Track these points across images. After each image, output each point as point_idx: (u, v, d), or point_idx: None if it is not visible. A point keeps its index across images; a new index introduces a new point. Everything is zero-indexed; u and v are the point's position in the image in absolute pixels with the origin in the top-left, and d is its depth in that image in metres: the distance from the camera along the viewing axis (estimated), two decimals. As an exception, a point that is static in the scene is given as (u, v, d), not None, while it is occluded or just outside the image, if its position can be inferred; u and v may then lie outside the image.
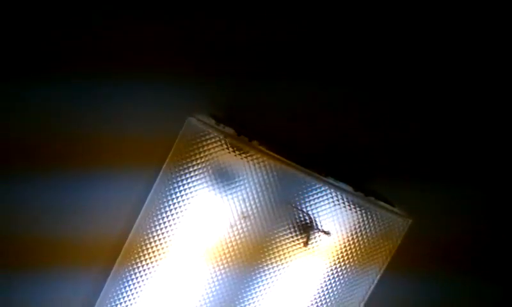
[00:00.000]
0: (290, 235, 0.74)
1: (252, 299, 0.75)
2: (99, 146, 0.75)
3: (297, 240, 0.74)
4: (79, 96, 0.73)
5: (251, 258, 0.73)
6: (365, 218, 0.74)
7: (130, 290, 0.73)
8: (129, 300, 0.73)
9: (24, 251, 0.76)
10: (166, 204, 0.71)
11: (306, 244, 0.73)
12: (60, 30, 0.71)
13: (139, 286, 0.72)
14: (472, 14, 0.79)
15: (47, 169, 0.74)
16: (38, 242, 0.76)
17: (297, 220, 0.73)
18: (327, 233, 0.74)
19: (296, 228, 0.73)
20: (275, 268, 0.74)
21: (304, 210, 0.72)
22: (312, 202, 0.72)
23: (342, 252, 0.75)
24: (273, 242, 0.74)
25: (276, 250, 0.74)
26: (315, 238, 0.74)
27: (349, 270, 0.75)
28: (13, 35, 0.69)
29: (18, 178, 0.74)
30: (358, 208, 0.74)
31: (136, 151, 0.76)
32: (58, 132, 0.74)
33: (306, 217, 0.72)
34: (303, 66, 0.78)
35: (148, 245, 0.71)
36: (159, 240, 0.71)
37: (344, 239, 0.75)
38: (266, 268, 0.75)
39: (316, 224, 0.73)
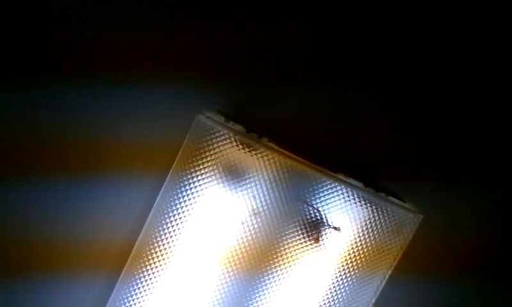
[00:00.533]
0: (301, 233, 0.73)
1: (263, 297, 0.75)
2: (107, 148, 0.75)
3: (308, 237, 0.73)
4: (86, 97, 0.73)
5: (262, 256, 0.73)
6: (375, 214, 0.74)
7: (143, 287, 0.73)
8: (140, 301, 0.73)
9: (32, 257, 0.77)
10: (176, 203, 0.71)
11: (317, 240, 0.73)
12: (65, 29, 0.71)
13: (151, 285, 0.73)
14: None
15: (56, 172, 0.74)
16: (47, 247, 0.76)
17: (308, 218, 0.72)
18: (337, 229, 0.73)
19: (307, 225, 0.73)
20: (286, 266, 0.74)
21: (315, 206, 0.72)
22: (322, 198, 0.72)
23: (352, 249, 0.75)
24: (284, 239, 0.74)
25: (287, 247, 0.74)
26: (326, 234, 0.73)
27: (359, 267, 0.75)
28: (17, 37, 0.69)
29: (27, 182, 0.74)
30: (368, 204, 0.73)
31: (145, 152, 0.76)
32: (66, 135, 0.74)
33: (317, 214, 0.72)
34: (312, 63, 0.78)
35: (159, 244, 0.71)
36: (170, 239, 0.71)
37: (354, 235, 0.74)
38: (277, 266, 0.75)
39: (326, 221, 0.73)
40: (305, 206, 0.72)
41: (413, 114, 0.82)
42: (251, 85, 0.77)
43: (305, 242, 0.73)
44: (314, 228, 0.73)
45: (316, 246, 0.73)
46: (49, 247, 0.76)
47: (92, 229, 0.77)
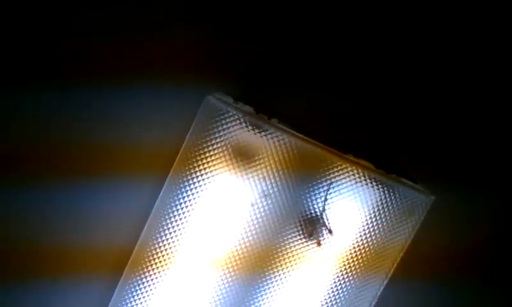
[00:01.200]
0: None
1: (270, 290, 0.75)
2: (114, 131, 0.74)
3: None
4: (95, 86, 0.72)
5: (271, 243, 0.73)
6: (386, 195, 0.73)
7: (147, 284, 0.73)
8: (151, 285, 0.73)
9: (30, 259, 0.76)
10: (185, 186, 0.70)
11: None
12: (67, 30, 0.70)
13: (156, 280, 0.72)
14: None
15: (55, 172, 0.74)
16: (46, 250, 0.75)
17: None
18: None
19: (306, 226, 0.72)
20: (295, 255, 0.74)
21: (326, 188, 0.71)
22: (332, 179, 0.71)
23: (363, 231, 0.74)
24: (293, 227, 0.73)
25: (295, 238, 0.74)
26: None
27: (371, 249, 0.74)
28: (20, 39, 0.69)
29: (25, 184, 0.73)
30: (379, 186, 0.73)
31: (153, 135, 0.75)
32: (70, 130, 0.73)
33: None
34: (322, 43, 0.77)
35: (169, 226, 0.71)
36: (179, 222, 0.71)
37: (365, 217, 0.74)
38: (284, 258, 0.74)
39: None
40: (315, 188, 0.72)
41: (425, 94, 0.81)
42: (260, 66, 0.76)
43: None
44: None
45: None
46: (49, 250, 0.75)
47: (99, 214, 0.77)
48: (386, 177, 0.73)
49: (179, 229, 0.71)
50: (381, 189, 0.73)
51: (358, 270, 0.75)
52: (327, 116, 0.79)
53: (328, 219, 0.72)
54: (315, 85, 0.78)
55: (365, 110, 0.80)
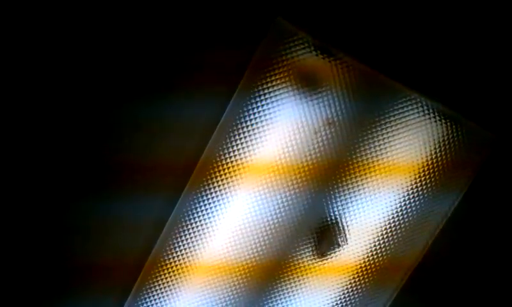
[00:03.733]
0: None
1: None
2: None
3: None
4: None
5: (334, 169, 0.72)
6: (451, 130, 0.72)
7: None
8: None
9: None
10: (250, 109, 0.69)
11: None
12: None
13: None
14: None
15: None
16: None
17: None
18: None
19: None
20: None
21: (392, 119, 0.70)
22: (399, 111, 0.70)
23: (427, 165, 0.73)
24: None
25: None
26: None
27: (433, 184, 0.73)
28: None
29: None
30: (445, 120, 0.71)
31: (223, 54, 0.72)
32: None
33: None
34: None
35: (233, 143, 0.70)
36: (244, 144, 0.69)
37: (430, 152, 0.72)
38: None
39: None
40: (380, 118, 0.70)
41: (491, 34, 0.79)
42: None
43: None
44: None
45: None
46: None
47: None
48: (451, 112, 0.71)
49: (245, 151, 0.70)
50: (445, 123, 0.71)
51: (417, 208, 0.74)
52: (393, 52, 0.77)
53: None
54: (383, 20, 0.76)
55: (432, 46, 0.78)
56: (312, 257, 0.76)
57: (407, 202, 0.73)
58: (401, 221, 0.74)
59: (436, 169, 0.72)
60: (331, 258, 0.76)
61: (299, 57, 0.67)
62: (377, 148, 0.71)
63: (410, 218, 0.74)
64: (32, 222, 0.75)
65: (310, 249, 0.75)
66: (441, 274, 0.84)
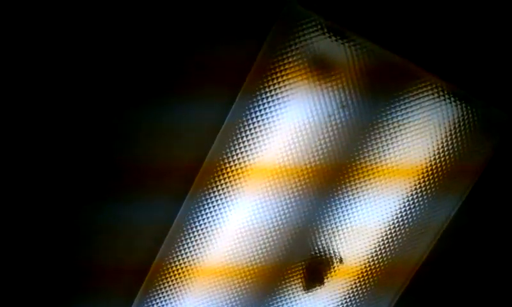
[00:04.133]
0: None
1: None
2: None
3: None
4: None
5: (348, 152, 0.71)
6: (466, 112, 0.71)
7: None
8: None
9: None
10: (263, 91, 0.68)
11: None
12: None
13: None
14: None
15: None
16: None
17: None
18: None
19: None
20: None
21: (406, 101, 0.69)
22: (414, 93, 0.69)
23: (442, 148, 0.72)
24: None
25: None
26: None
27: (448, 169, 0.73)
28: None
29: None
30: (460, 102, 0.70)
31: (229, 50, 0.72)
32: None
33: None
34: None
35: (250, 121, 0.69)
36: (260, 121, 0.69)
37: (445, 134, 0.72)
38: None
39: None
40: (394, 101, 0.70)
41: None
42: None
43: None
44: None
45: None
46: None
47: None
48: (466, 94, 0.70)
49: (260, 131, 0.70)
50: (459, 105, 0.70)
51: (435, 185, 0.73)
52: (407, 32, 0.76)
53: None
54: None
55: (446, 28, 0.77)
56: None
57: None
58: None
59: (451, 154, 0.72)
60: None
61: (312, 39, 0.67)
62: (392, 132, 0.70)
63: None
64: (34, 226, 0.75)
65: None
66: (442, 278, 0.84)
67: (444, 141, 0.71)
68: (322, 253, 0.76)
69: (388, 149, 0.71)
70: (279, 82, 0.68)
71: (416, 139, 0.71)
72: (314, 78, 0.68)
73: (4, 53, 0.66)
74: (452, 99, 0.70)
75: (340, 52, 0.68)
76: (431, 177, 0.72)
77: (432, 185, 0.73)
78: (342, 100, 0.69)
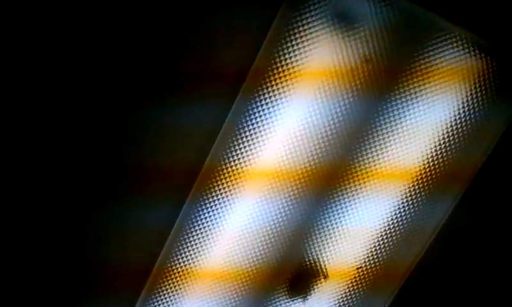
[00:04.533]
0: None
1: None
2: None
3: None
4: None
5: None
6: (490, 66, 0.70)
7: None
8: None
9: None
10: (286, 43, 0.67)
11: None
12: None
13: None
14: None
15: None
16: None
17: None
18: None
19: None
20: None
21: (429, 53, 0.68)
22: (438, 45, 0.68)
23: (467, 102, 0.71)
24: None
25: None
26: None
27: (472, 125, 0.71)
28: None
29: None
30: (487, 55, 0.69)
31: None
32: None
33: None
34: None
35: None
36: (284, 71, 0.68)
37: (467, 89, 0.70)
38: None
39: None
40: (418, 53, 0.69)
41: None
42: None
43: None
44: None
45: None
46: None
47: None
48: (493, 48, 0.69)
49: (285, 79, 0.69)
50: (486, 59, 0.69)
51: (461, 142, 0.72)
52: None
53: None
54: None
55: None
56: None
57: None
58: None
59: (475, 106, 0.70)
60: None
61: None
62: (416, 87, 0.69)
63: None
64: (36, 228, 0.75)
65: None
66: (436, 281, 0.83)
67: (465, 100, 0.70)
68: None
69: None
70: (305, 30, 0.67)
71: (440, 96, 0.70)
72: (338, 30, 0.67)
73: (10, 56, 0.66)
74: (477, 52, 0.69)
75: (363, 5, 0.67)
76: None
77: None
78: (365, 54, 0.68)
